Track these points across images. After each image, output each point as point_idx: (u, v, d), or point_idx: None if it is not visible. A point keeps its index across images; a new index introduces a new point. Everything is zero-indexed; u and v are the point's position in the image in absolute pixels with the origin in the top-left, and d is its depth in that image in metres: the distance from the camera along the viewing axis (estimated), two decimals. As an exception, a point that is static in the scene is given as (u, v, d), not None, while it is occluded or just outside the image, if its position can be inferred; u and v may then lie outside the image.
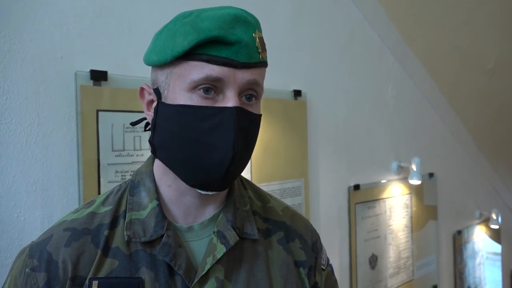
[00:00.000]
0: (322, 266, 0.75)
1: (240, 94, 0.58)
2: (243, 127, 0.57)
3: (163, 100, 0.59)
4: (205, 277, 0.60)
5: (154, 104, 0.61)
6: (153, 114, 0.61)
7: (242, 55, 0.56)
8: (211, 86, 0.56)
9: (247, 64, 0.56)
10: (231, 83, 0.56)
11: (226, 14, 0.56)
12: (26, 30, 0.97)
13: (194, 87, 0.56)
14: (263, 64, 0.60)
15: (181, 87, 0.57)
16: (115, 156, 1.09)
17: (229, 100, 0.56)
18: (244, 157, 0.60)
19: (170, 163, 0.61)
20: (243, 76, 0.56)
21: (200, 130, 0.56)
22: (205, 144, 0.56)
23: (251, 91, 0.59)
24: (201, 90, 0.56)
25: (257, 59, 0.58)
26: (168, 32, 0.58)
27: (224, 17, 0.55)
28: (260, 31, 0.60)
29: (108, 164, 1.07)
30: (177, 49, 0.55)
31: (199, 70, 0.55)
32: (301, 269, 0.70)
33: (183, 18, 0.58)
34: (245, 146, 0.59)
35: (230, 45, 0.55)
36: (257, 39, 0.58)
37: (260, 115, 0.62)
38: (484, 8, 2.17)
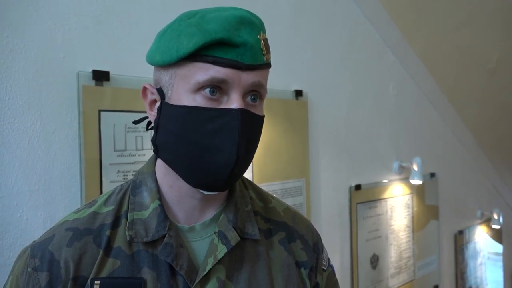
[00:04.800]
0: (323, 267, 0.75)
1: (245, 95, 0.58)
2: (247, 129, 0.57)
3: (166, 100, 0.59)
4: (207, 278, 0.60)
5: (157, 104, 0.61)
6: (156, 114, 0.61)
7: (247, 57, 0.56)
8: (216, 87, 0.56)
9: (252, 66, 0.56)
10: (236, 85, 0.56)
11: (232, 16, 0.56)
12: (28, 31, 0.98)
13: (198, 89, 0.56)
14: (267, 65, 0.60)
15: (185, 88, 0.57)
16: (117, 156, 1.09)
17: (234, 102, 0.56)
18: (247, 159, 0.60)
19: (173, 164, 0.61)
20: (248, 78, 0.56)
21: (204, 131, 0.56)
22: (209, 146, 0.56)
23: (255, 92, 0.59)
24: (206, 91, 0.56)
25: (261, 61, 0.58)
26: (173, 32, 0.58)
27: (230, 19, 0.55)
28: (264, 32, 0.60)
29: (110, 164, 1.07)
30: (182, 50, 0.55)
31: (205, 71, 0.55)
32: (302, 269, 0.70)
33: (188, 19, 0.58)
34: (249, 148, 0.59)
35: (235, 47, 0.55)
36: (262, 41, 0.58)
37: (263, 116, 0.62)
38: (486, 6, 2.16)
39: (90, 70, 1.05)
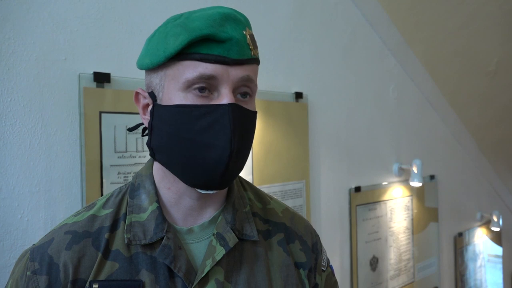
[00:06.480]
0: (322, 267, 0.75)
1: (235, 91, 0.58)
2: (239, 123, 0.57)
3: (158, 102, 0.60)
4: (205, 279, 0.61)
5: (150, 107, 0.62)
6: (149, 117, 0.62)
7: (234, 52, 0.56)
8: (205, 85, 0.56)
9: (240, 61, 0.57)
10: (225, 80, 0.57)
11: (216, 13, 0.57)
12: (30, 33, 0.98)
13: (188, 87, 0.57)
14: (255, 60, 0.61)
15: (176, 87, 0.57)
16: (118, 157, 1.09)
17: (224, 97, 0.57)
18: (242, 155, 0.60)
19: (169, 165, 0.62)
20: (236, 72, 0.57)
21: (197, 128, 0.56)
22: (202, 142, 0.57)
23: (245, 88, 0.60)
24: (196, 90, 0.56)
25: (249, 55, 0.58)
26: (160, 35, 0.59)
27: (214, 16, 0.56)
28: (250, 28, 0.61)
29: (111, 166, 1.08)
30: (169, 50, 0.56)
31: (193, 69, 0.56)
32: (301, 270, 0.70)
33: (174, 21, 0.59)
34: (242, 143, 0.59)
35: (221, 42, 0.56)
36: (248, 36, 0.59)
37: (256, 112, 0.63)
38: (486, 9, 2.16)
39: (91, 72, 1.06)
